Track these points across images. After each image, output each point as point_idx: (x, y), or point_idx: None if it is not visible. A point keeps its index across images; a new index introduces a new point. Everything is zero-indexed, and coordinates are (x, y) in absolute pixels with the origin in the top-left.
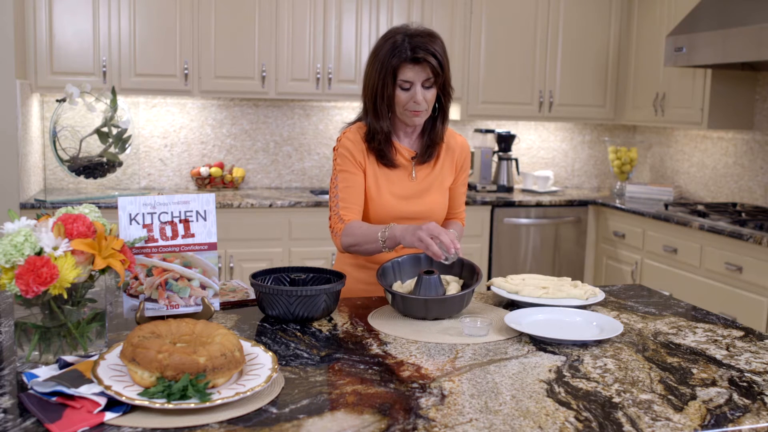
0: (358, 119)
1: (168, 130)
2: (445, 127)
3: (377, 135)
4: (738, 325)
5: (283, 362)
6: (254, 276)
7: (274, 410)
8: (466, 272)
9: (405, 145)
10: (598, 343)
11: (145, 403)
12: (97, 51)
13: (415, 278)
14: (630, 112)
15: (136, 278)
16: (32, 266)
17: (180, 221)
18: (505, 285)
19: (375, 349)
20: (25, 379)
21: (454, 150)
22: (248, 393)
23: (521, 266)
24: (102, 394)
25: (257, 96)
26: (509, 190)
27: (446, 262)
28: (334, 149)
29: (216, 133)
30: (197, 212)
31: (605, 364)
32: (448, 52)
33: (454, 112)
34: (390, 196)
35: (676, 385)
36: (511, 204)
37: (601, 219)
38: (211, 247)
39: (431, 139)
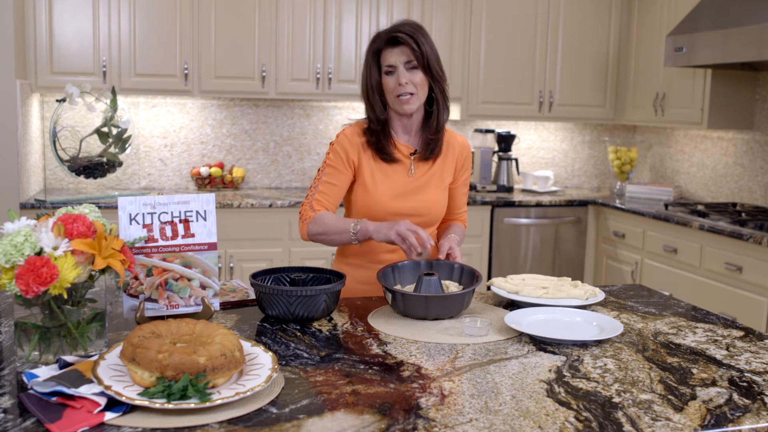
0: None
1: (168, 130)
2: (444, 115)
3: (374, 126)
4: (738, 325)
5: (283, 362)
6: (254, 276)
7: (274, 410)
8: (466, 278)
9: (403, 142)
10: (598, 343)
11: (145, 403)
12: (97, 51)
13: (415, 283)
14: (630, 112)
15: (136, 278)
16: (32, 266)
17: (180, 221)
18: (505, 285)
19: (375, 349)
20: (25, 379)
21: (454, 148)
22: (248, 393)
23: (521, 266)
24: (102, 394)
25: (257, 96)
26: (509, 190)
27: (419, 258)
28: (330, 143)
29: (216, 133)
30: (197, 212)
31: (605, 364)
32: (448, 52)
33: (454, 112)
34: (386, 192)
35: (676, 385)
36: (511, 204)
37: (601, 219)
38: (211, 247)
39: (430, 129)
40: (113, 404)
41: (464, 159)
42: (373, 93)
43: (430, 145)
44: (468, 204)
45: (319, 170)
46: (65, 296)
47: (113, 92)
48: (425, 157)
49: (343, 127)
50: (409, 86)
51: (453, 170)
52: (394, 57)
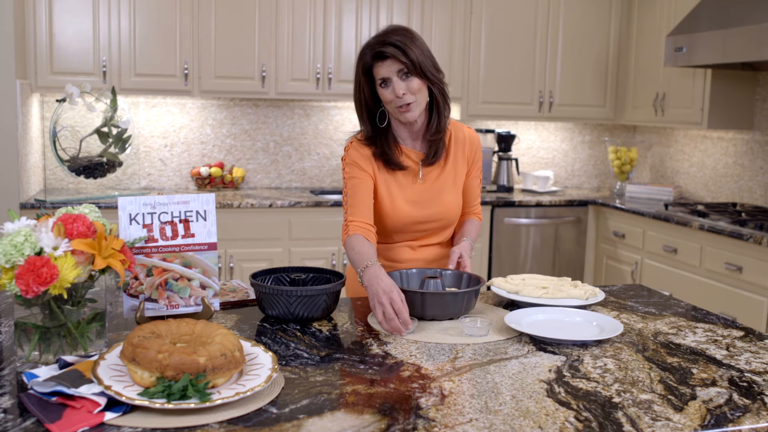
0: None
1: (168, 130)
2: (445, 116)
3: (368, 143)
4: (738, 325)
5: (283, 362)
6: (254, 276)
7: (274, 410)
8: (472, 287)
9: (411, 148)
10: (598, 343)
11: (145, 403)
12: (97, 51)
13: None
14: (630, 112)
15: (136, 278)
16: (32, 266)
17: (180, 221)
18: (505, 285)
19: (375, 349)
20: (25, 379)
21: (463, 143)
22: (248, 393)
23: (521, 266)
24: (102, 394)
25: (257, 96)
26: (509, 190)
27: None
28: (342, 159)
29: (216, 133)
30: (197, 212)
31: (605, 364)
32: (448, 52)
33: (454, 112)
34: (403, 203)
35: (676, 385)
36: (511, 204)
37: (601, 219)
38: (211, 247)
39: (432, 130)
40: (113, 404)
41: (474, 151)
42: (362, 107)
43: (433, 147)
44: None
45: (343, 189)
46: (65, 296)
47: (113, 92)
48: (431, 161)
49: (348, 142)
50: (407, 96)
51: (466, 164)
52: (385, 70)
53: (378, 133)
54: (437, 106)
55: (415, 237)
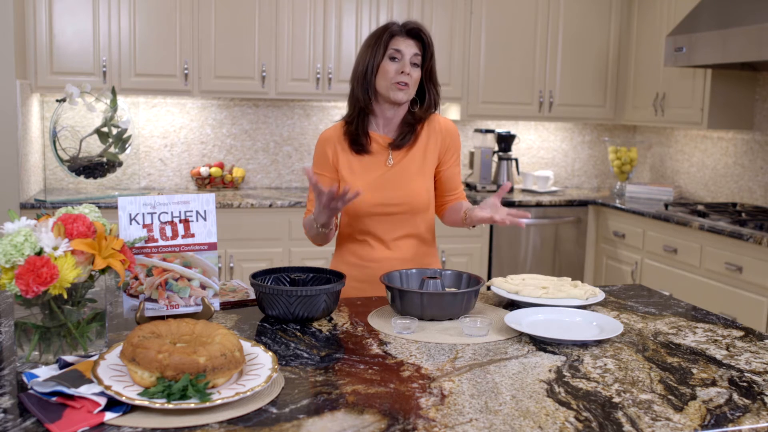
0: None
1: (168, 130)
2: (428, 113)
3: (353, 112)
4: (738, 325)
5: (283, 362)
6: (254, 276)
7: (274, 410)
8: (472, 287)
9: (383, 134)
10: (598, 343)
11: (145, 403)
12: (97, 51)
13: None
14: (630, 112)
15: (136, 278)
16: (32, 266)
17: (180, 221)
18: (505, 285)
19: (375, 349)
20: (25, 379)
21: (437, 132)
22: (248, 393)
23: (521, 266)
24: (102, 394)
25: (257, 96)
26: (509, 190)
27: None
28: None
29: (216, 133)
30: (197, 212)
31: (605, 364)
32: (448, 52)
33: (454, 112)
34: (365, 184)
35: (676, 385)
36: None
37: (601, 219)
38: (211, 247)
39: (407, 121)
40: (113, 404)
41: (450, 140)
42: (364, 77)
43: (403, 131)
44: None
45: None
46: (65, 296)
47: (113, 92)
48: (399, 144)
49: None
50: (408, 77)
51: (437, 154)
52: (405, 46)
53: (360, 111)
54: (430, 104)
55: (384, 227)
